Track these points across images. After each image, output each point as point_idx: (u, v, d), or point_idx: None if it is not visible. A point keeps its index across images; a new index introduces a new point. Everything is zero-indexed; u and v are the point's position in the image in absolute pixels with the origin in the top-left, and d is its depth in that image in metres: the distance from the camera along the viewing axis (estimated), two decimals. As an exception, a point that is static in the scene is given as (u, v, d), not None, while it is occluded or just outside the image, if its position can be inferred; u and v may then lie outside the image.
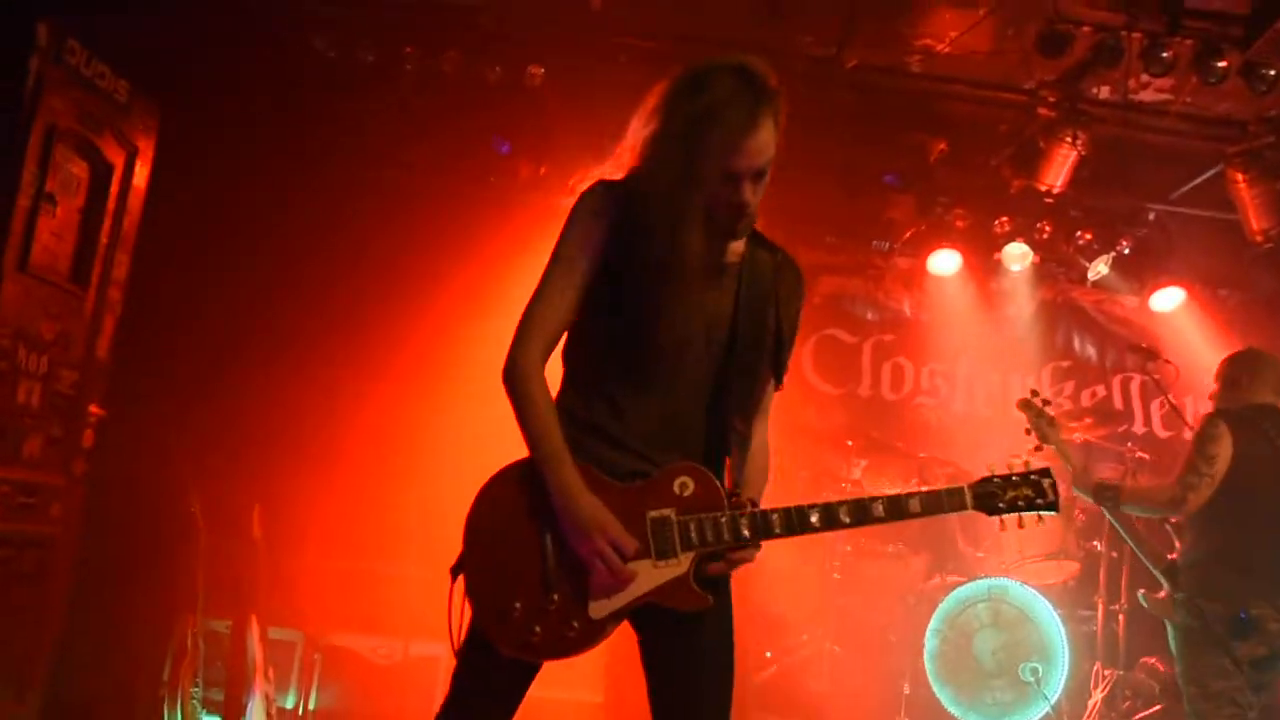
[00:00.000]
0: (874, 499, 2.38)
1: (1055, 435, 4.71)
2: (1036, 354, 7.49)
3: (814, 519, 2.37)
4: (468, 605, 2.35)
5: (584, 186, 2.44)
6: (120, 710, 5.00)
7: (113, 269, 4.79)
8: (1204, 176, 6.64)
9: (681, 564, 2.34)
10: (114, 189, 4.76)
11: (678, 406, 2.42)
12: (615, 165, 2.46)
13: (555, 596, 2.32)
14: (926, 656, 5.58)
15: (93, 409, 4.68)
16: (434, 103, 5.99)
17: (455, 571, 2.38)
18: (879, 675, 5.89)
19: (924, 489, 2.42)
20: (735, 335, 2.45)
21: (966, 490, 2.44)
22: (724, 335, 2.45)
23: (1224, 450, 4.19)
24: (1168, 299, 7.19)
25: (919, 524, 6.48)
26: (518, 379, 2.39)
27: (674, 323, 2.35)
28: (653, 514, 2.35)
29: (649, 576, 2.33)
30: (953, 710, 5.55)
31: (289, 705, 5.22)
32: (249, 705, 4.70)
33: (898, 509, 2.39)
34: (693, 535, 2.34)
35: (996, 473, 2.47)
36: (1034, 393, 4.84)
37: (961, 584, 5.75)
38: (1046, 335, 7.54)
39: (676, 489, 2.37)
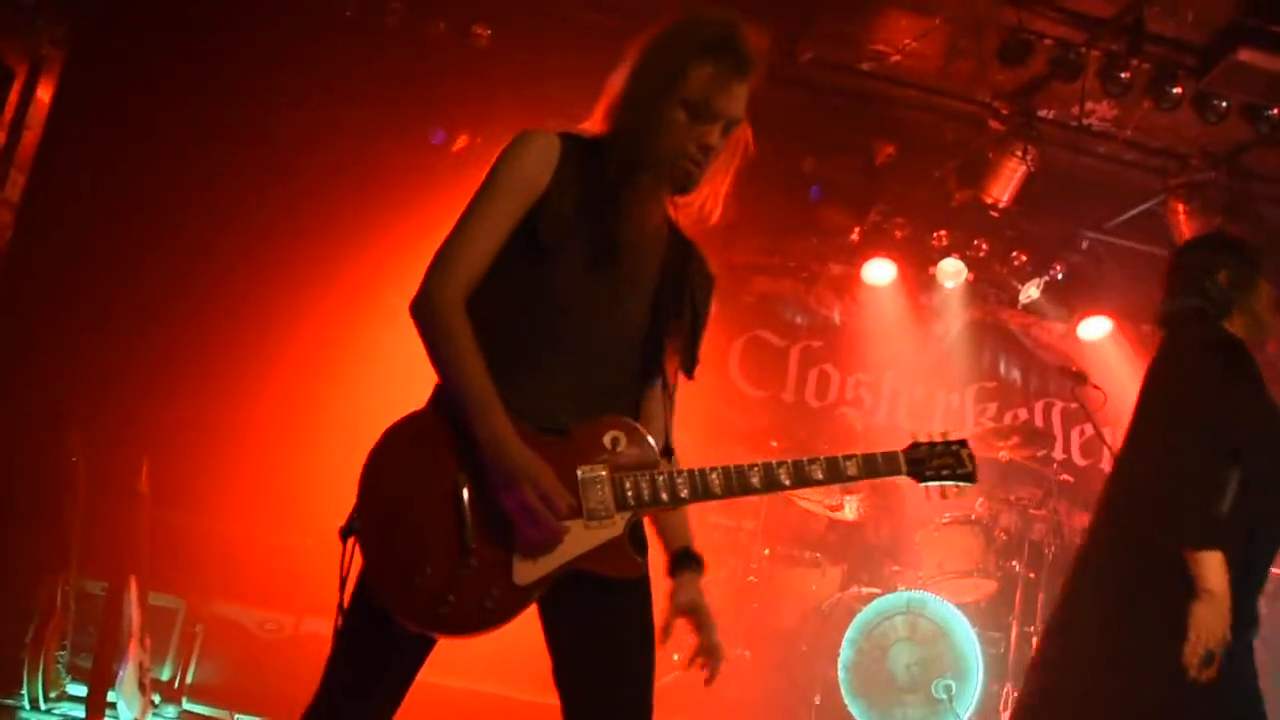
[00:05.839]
0: (812, 460, 2.25)
1: None
2: (962, 372, 7.50)
3: (754, 480, 2.21)
4: (358, 574, 2.07)
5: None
6: (-28, 670, 4.54)
7: (5, 186, 4.38)
8: (1141, 208, 6.69)
9: (616, 525, 2.14)
10: (13, 98, 4.38)
11: (593, 371, 2.23)
12: (575, 125, 2.30)
13: (473, 560, 2.06)
14: (840, 667, 5.42)
15: (-31, 337, 4.26)
16: (370, 50, 5.66)
17: (346, 533, 2.07)
18: (790, 684, 5.72)
19: (860, 454, 2.27)
20: (658, 307, 2.30)
21: (901, 456, 2.31)
22: (647, 305, 2.29)
23: None
24: (1095, 328, 7.22)
25: (837, 534, 6.37)
26: (437, 312, 2.13)
27: (596, 285, 2.21)
28: (584, 471, 2.14)
29: (580, 539, 2.12)
30: (863, 724, 5.39)
31: (164, 677, 4.79)
32: (120, 674, 4.27)
33: (835, 472, 2.26)
34: (628, 494, 2.15)
35: (920, 439, 2.36)
36: None
37: (879, 595, 5.61)
38: (973, 354, 7.54)
39: (608, 444, 2.18)
